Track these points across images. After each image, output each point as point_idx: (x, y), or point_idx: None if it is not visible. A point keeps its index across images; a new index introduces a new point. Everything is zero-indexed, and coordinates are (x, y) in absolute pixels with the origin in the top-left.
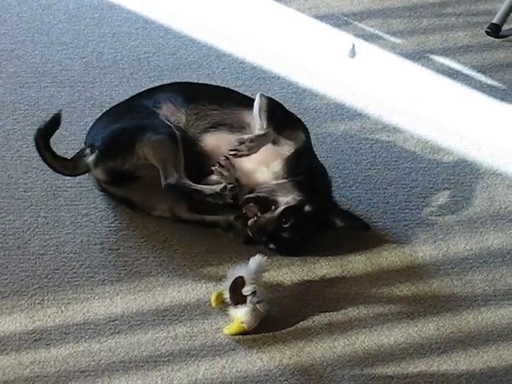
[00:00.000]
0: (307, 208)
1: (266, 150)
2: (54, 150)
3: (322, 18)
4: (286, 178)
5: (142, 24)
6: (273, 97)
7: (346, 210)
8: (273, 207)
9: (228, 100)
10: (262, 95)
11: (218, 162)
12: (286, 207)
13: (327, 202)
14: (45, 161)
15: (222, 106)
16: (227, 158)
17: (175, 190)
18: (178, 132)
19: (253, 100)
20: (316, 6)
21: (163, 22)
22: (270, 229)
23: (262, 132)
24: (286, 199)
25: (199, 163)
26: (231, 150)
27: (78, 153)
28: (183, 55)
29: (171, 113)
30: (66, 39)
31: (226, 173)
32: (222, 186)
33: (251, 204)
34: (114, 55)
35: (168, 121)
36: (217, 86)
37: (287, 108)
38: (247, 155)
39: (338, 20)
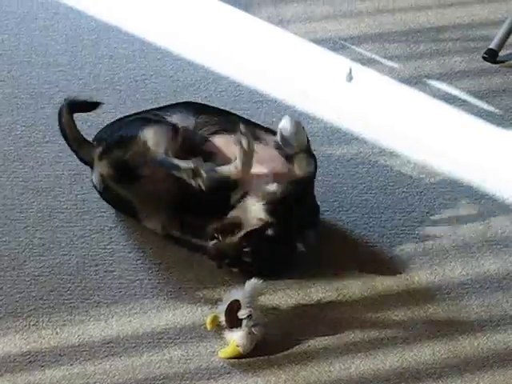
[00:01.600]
0: (269, 232)
1: (278, 164)
2: (51, 170)
3: (319, 41)
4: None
5: (139, 46)
6: (270, 120)
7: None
8: (236, 230)
9: (239, 119)
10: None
11: (240, 130)
12: (247, 231)
13: (296, 227)
14: (62, 130)
15: (234, 122)
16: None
17: (157, 163)
18: (181, 129)
19: (264, 128)
20: (313, 30)
21: (161, 45)
22: (231, 254)
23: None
24: (249, 222)
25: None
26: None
27: (90, 142)
28: (180, 78)
29: (180, 121)
30: (63, 60)
31: (245, 142)
32: (196, 160)
33: (216, 235)
34: (111, 77)
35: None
36: (232, 112)
37: None
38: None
39: (335, 44)
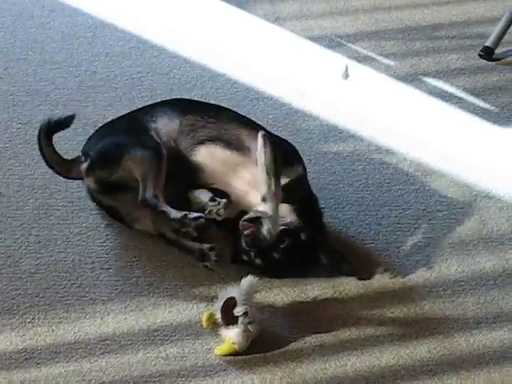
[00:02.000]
0: (303, 236)
1: (259, 177)
2: (47, 167)
3: (315, 39)
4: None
5: (135, 43)
6: (265, 118)
7: (337, 251)
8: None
9: (226, 116)
10: (264, 140)
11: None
12: (285, 228)
13: (319, 236)
14: (43, 155)
15: (221, 121)
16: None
17: (148, 206)
18: (164, 151)
19: (251, 122)
20: (309, 28)
21: (157, 42)
22: (265, 244)
23: (270, 194)
24: (284, 221)
25: (191, 175)
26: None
27: (74, 158)
28: (176, 75)
29: (165, 124)
30: (59, 58)
31: (222, 211)
32: (183, 213)
33: (249, 224)
34: (107, 74)
35: (159, 134)
36: (215, 104)
37: (281, 132)
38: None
39: (332, 42)
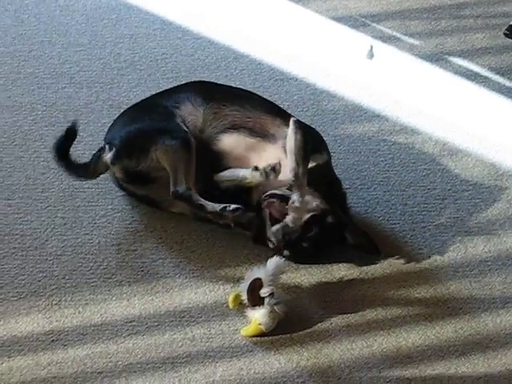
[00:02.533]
0: (329, 219)
1: (284, 160)
2: (72, 150)
3: (339, 19)
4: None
5: (159, 25)
6: (290, 98)
7: (361, 230)
8: (292, 214)
9: (250, 103)
10: (295, 126)
11: (273, 167)
12: (312, 215)
13: (345, 216)
14: (65, 172)
15: (244, 109)
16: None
17: (181, 199)
18: (193, 138)
19: (275, 107)
20: (334, 8)
21: (181, 23)
22: (294, 237)
23: (297, 182)
24: (310, 206)
25: (214, 162)
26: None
27: (95, 154)
28: (201, 56)
29: (189, 113)
30: (83, 40)
31: (272, 175)
32: (222, 205)
33: (275, 200)
34: (132, 56)
35: (185, 122)
36: (239, 88)
37: (305, 112)
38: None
39: (356, 21)
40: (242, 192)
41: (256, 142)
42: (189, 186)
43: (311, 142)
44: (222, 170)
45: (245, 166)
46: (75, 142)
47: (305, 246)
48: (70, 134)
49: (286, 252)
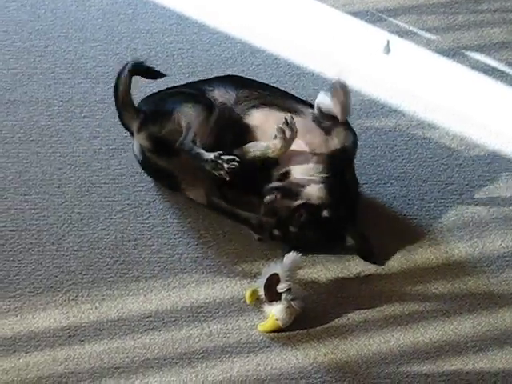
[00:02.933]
0: (325, 213)
1: (316, 137)
2: (88, 145)
3: (356, 14)
4: (320, 174)
5: (175, 20)
6: (307, 93)
7: (362, 234)
8: (295, 198)
9: (279, 92)
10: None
11: (285, 119)
12: (305, 202)
13: (349, 216)
14: (117, 83)
15: (275, 93)
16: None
17: (183, 149)
18: (217, 110)
19: (303, 101)
20: (350, 2)
21: (197, 18)
22: (282, 215)
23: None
24: (309, 195)
25: (245, 136)
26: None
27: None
28: (217, 51)
29: (220, 95)
30: (99, 35)
31: (288, 132)
32: (216, 152)
33: (275, 192)
34: (148, 51)
35: (216, 101)
36: (269, 84)
37: None
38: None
39: (373, 16)
40: (265, 168)
41: (285, 114)
42: (195, 139)
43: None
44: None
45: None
46: (91, 138)
47: (292, 231)
48: (156, 73)
49: (275, 231)
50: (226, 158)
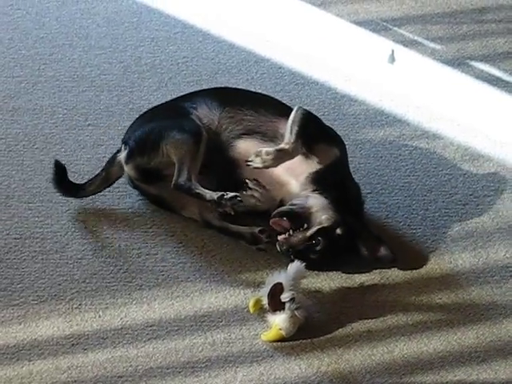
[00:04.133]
0: (339, 231)
1: (296, 163)
2: (93, 153)
3: (361, 23)
4: (316, 191)
5: (180, 29)
6: (311, 102)
7: (377, 238)
8: (305, 225)
9: (266, 107)
10: (299, 108)
11: (246, 183)
12: (319, 228)
13: (358, 224)
14: (80, 195)
15: (259, 113)
16: (256, 180)
17: (182, 190)
18: (205, 133)
19: (290, 110)
20: (355, 12)
21: (202, 27)
22: (300, 248)
23: (285, 147)
24: (319, 219)
25: (231, 169)
26: (247, 161)
27: (108, 161)
28: (222, 60)
29: (205, 115)
30: (104, 43)
31: (256, 194)
32: (219, 194)
33: (284, 218)
34: (153, 60)
35: (201, 121)
36: (257, 93)
37: (326, 117)
38: (262, 168)
39: (378, 26)
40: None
41: (267, 146)
42: (190, 176)
43: (317, 127)
44: (238, 178)
45: (258, 172)
46: (95, 146)
47: (313, 258)
48: (59, 169)
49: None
50: (228, 196)
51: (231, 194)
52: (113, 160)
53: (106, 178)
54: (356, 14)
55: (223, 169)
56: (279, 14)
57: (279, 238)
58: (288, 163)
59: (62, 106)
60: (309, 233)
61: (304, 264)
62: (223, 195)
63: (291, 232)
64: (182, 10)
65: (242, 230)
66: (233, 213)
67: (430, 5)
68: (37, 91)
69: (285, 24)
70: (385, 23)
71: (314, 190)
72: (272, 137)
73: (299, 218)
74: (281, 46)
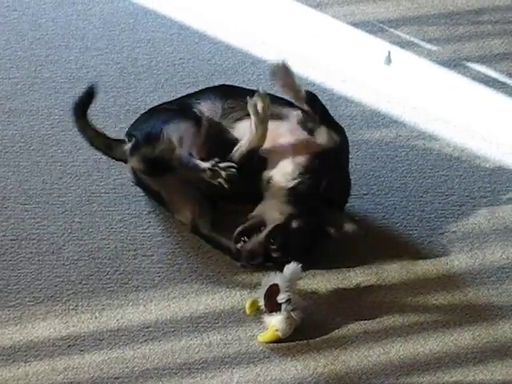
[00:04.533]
0: (294, 224)
1: (300, 138)
2: (89, 154)
3: (357, 24)
4: (299, 176)
5: (176, 30)
6: None
7: (343, 215)
8: (262, 228)
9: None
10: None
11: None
12: (272, 227)
13: (329, 211)
14: (83, 134)
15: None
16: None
17: (180, 164)
18: (206, 123)
19: (289, 103)
20: (351, 13)
21: (198, 28)
22: (260, 252)
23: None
24: (272, 218)
25: (231, 149)
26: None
27: (119, 139)
28: (218, 61)
29: (208, 108)
30: (100, 45)
31: (259, 104)
32: (214, 160)
33: (242, 238)
34: (149, 61)
35: (203, 114)
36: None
37: None
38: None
39: (374, 27)
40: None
41: (269, 123)
42: (191, 152)
43: (323, 110)
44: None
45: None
46: (91, 147)
47: (277, 256)
48: (89, 95)
49: (267, 264)
50: (222, 165)
51: (226, 163)
52: (117, 143)
53: (109, 146)
54: (352, 16)
55: (226, 154)
56: (276, 15)
57: (236, 247)
58: (293, 139)
59: (59, 107)
60: (263, 234)
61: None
62: (217, 162)
63: (245, 239)
64: (178, 12)
65: (231, 246)
66: (227, 186)
67: (426, 6)
68: (33, 92)
69: (281, 25)
70: (381, 24)
71: (302, 173)
72: (274, 116)
73: (254, 227)
74: (277, 47)
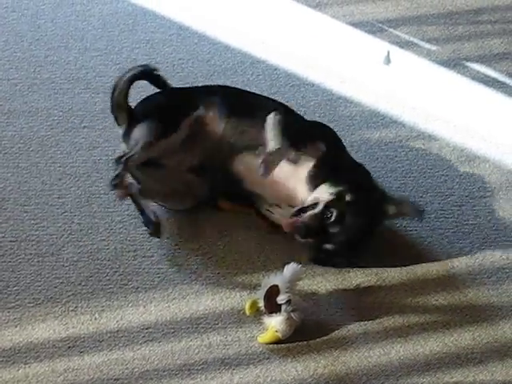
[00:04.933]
0: (348, 198)
1: (292, 169)
2: (88, 155)
3: (356, 24)
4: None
5: (176, 30)
6: (307, 104)
7: (397, 197)
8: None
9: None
10: (274, 113)
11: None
12: (327, 202)
13: (372, 189)
14: (113, 95)
15: (258, 125)
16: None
17: (116, 162)
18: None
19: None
20: (351, 13)
21: (197, 29)
22: (315, 225)
23: (272, 149)
24: (325, 197)
25: (231, 180)
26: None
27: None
28: (217, 62)
29: (211, 120)
30: (100, 45)
31: (277, 215)
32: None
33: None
34: (148, 61)
35: (200, 124)
36: (257, 96)
37: (322, 118)
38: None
39: (373, 27)
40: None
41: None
42: (133, 159)
43: (296, 128)
44: (240, 190)
45: (262, 185)
46: (91, 148)
47: (336, 232)
48: (148, 71)
49: (327, 246)
50: (128, 155)
51: (130, 154)
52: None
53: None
54: (351, 16)
55: (221, 177)
56: (275, 15)
57: (289, 220)
58: (287, 172)
59: (58, 108)
60: (317, 209)
61: (335, 244)
62: (121, 156)
63: (300, 213)
64: (177, 12)
65: (147, 210)
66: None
67: (425, 6)
68: (32, 93)
69: (280, 26)
70: (380, 24)
71: (319, 184)
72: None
73: (307, 208)
74: (276, 48)
